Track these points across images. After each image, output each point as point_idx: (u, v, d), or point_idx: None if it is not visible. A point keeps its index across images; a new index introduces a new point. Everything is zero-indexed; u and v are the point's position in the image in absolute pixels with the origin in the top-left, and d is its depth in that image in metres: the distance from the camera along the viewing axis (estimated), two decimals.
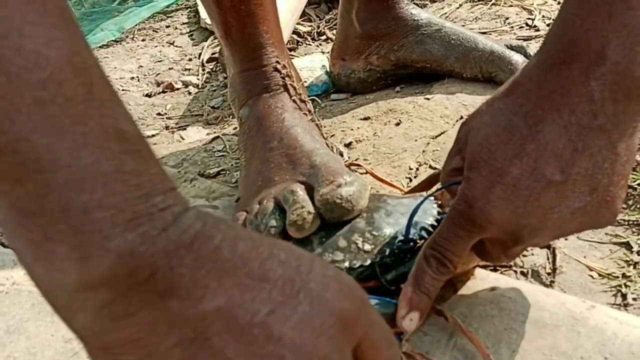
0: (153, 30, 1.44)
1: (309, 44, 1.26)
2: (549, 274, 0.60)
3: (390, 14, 0.96)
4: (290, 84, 0.76)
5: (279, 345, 0.30)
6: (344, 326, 0.32)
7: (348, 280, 0.34)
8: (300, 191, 0.62)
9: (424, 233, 0.58)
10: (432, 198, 0.62)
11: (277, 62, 0.76)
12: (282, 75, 0.76)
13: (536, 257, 0.62)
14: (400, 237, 0.58)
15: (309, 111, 0.77)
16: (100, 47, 1.38)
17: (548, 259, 0.61)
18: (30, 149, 0.26)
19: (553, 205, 0.44)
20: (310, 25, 1.32)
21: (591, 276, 0.60)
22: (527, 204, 0.44)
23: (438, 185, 0.66)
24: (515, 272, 0.61)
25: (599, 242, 0.63)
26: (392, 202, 0.62)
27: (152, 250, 0.28)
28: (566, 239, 0.64)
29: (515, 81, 0.47)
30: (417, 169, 0.79)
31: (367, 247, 0.57)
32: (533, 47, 0.94)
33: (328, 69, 1.07)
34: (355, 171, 0.77)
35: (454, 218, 0.49)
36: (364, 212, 0.60)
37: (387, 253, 0.57)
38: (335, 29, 1.31)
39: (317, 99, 1.00)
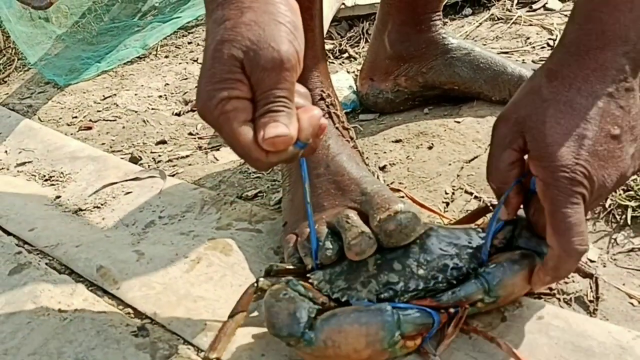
0: (176, 47, 1.47)
1: (332, 62, 1.29)
2: (591, 301, 0.63)
3: (422, 37, 0.98)
4: (334, 112, 0.79)
5: None
6: None
7: None
8: (355, 217, 0.65)
9: (475, 263, 0.60)
10: (480, 230, 0.65)
11: (322, 90, 0.78)
12: (326, 103, 0.78)
13: (578, 284, 0.65)
14: (452, 265, 0.61)
15: (351, 138, 0.80)
16: (124, 64, 1.40)
17: (590, 286, 0.64)
18: None
19: (619, 154, 0.55)
20: (332, 43, 1.34)
21: (631, 304, 0.62)
22: (606, 157, 0.55)
23: (485, 218, 0.69)
24: (559, 299, 0.64)
25: (636, 270, 0.66)
26: (443, 231, 0.64)
27: None
28: (604, 266, 0.67)
29: (550, 69, 0.57)
30: (453, 193, 0.82)
31: (421, 271, 0.60)
32: None
33: (355, 89, 1.10)
34: None
35: (560, 192, 0.54)
36: (417, 239, 0.63)
37: (439, 279, 0.60)
38: (357, 46, 1.34)
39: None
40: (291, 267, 0.66)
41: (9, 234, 0.83)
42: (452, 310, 0.57)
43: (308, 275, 0.64)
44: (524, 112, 0.57)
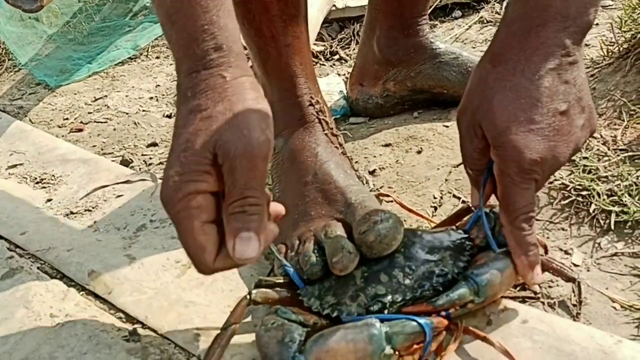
0: (167, 48, 1.47)
1: (323, 64, 1.30)
2: (574, 305, 0.64)
3: (410, 42, 1.00)
4: (323, 119, 0.80)
5: None
6: None
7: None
8: (339, 231, 0.66)
9: (460, 267, 0.62)
10: (461, 231, 0.66)
11: (311, 96, 0.79)
12: (315, 110, 0.79)
13: (562, 288, 0.66)
14: (438, 272, 0.62)
15: (340, 144, 0.80)
16: (115, 64, 1.41)
17: (573, 291, 0.65)
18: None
19: (569, 129, 0.57)
20: (323, 45, 1.35)
21: (614, 307, 0.64)
22: (556, 136, 0.56)
23: (467, 218, 0.70)
24: (543, 303, 0.65)
25: (619, 274, 0.67)
26: (426, 236, 0.65)
27: (197, 76, 0.52)
28: (588, 270, 0.68)
29: (494, 53, 0.59)
30: (441, 197, 0.83)
31: (408, 281, 0.61)
32: None
33: (346, 94, 1.11)
34: (382, 201, 0.81)
35: (512, 180, 0.57)
36: (401, 247, 0.64)
37: (426, 287, 0.61)
38: (347, 48, 1.35)
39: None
40: (280, 280, 0.66)
41: (0, 237, 0.84)
42: (443, 313, 0.59)
43: (298, 292, 0.65)
44: (476, 102, 0.59)
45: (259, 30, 0.78)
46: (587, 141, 0.70)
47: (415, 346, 0.57)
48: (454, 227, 0.69)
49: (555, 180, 0.78)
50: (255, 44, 0.80)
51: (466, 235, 0.66)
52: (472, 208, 0.70)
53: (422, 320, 0.57)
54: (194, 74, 0.52)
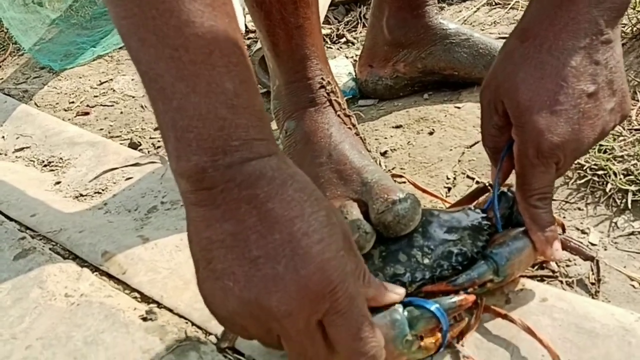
0: None
1: (330, 47, 1.29)
2: (592, 284, 0.64)
3: (419, 23, 0.99)
4: (335, 100, 0.79)
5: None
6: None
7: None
8: (355, 210, 0.65)
9: (480, 246, 0.61)
10: (479, 211, 0.66)
11: (322, 78, 0.79)
12: (327, 91, 0.78)
13: (579, 267, 0.66)
14: (457, 251, 0.61)
15: (353, 125, 0.80)
16: (120, 48, 1.39)
17: (592, 269, 0.65)
18: (161, 82, 0.42)
19: (596, 112, 0.54)
20: (330, 28, 1.34)
21: (632, 286, 0.64)
22: (581, 120, 0.54)
23: (484, 197, 0.70)
24: (561, 282, 0.65)
25: (636, 252, 0.67)
26: (444, 216, 0.65)
27: (214, 173, 0.43)
28: (605, 249, 0.68)
29: (523, 29, 0.56)
30: (455, 178, 0.82)
31: (426, 260, 0.61)
32: None
33: (354, 75, 1.10)
34: (396, 182, 0.80)
35: (530, 162, 0.56)
36: (419, 227, 0.64)
37: (445, 266, 0.60)
38: (354, 31, 1.34)
39: None
40: None
41: (10, 219, 0.83)
42: (462, 292, 0.58)
43: None
44: (500, 78, 0.57)
45: (268, 13, 0.77)
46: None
47: (437, 331, 0.56)
48: (471, 206, 0.68)
49: None
50: (264, 27, 0.79)
51: (484, 215, 0.65)
52: (489, 187, 0.70)
53: (433, 307, 0.55)
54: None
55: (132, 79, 1.26)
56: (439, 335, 0.56)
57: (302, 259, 0.43)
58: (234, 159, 0.43)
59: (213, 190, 0.43)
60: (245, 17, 1.43)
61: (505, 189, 0.65)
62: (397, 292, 0.55)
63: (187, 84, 0.42)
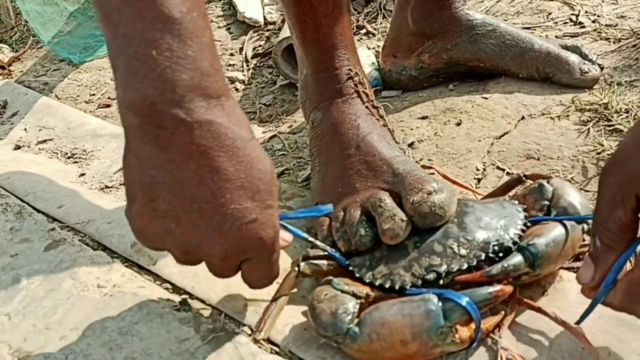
0: None
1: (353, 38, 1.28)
2: None
3: (445, 14, 0.98)
4: (363, 91, 0.78)
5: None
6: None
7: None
8: (388, 199, 0.64)
9: (516, 237, 0.60)
10: (516, 202, 0.65)
11: (350, 68, 0.78)
12: (355, 82, 0.78)
13: None
14: (494, 242, 0.60)
15: (381, 117, 0.79)
16: None
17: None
18: (107, 7, 0.43)
19: None
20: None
21: None
22: None
23: (517, 189, 0.69)
24: None
25: None
26: (479, 207, 0.64)
27: (162, 108, 0.43)
28: None
29: None
30: (484, 169, 0.81)
31: (463, 251, 0.60)
32: (586, 46, 0.96)
33: (377, 66, 1.09)
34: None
35: None
36: (454, 217, 0.63)
37: (482, 257, 0.60)
38: (374, 22, 1.33)
39: None
40: (326, 252, 0.66)
41: (38, 211, 0.83)
42: (496, 284, 0.57)
43: (348, 263, 0.64)
44: (636, 166, 0.45)
45: (297, 1, 0.76)
46: None
47: (472, 323, 0.56)
48: (506, 197, 0.67)
49: None
50: (293, 14, 0.78)
51: (521, 206, 0.64)
52: (523, 178, 0.69)
53: (464, 301, 0.54)
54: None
55: None
56: (473, 329, 0.56)
57: (245, 216, 0.49)
58: (184, 97, 0.43)
59: (162, 131, 0.44)
60: (263, 8, 1.42)
61: (543, 182, 0.64)
62: (284, 239, 0.59)
63: (132, 9, 0.42)
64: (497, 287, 0.56)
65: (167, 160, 0.46)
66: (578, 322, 0.54)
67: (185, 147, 0.45)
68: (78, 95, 1.23)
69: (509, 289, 0.56)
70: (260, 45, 1.31)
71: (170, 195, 0.47)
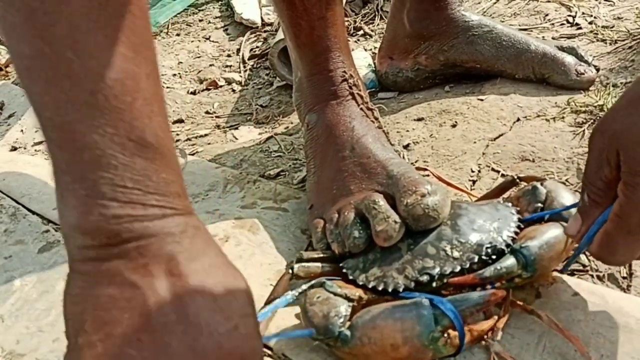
0: (187, 25, 1.45)
1: (347, 40, 1.28)
2: (624, 278, 0.63)
3: (441, 15, 0.98)
4: (358, 93, 0.78)
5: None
6: None
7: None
8: (382, 201, 0.64)
9: (509, 240, 0.60)
10: (509, 204, 0.65)
11: (344, 70, 0.78)
12: (349, 84, 0.78)
13: None
14: (487, 244, 0.60)
15: (376, 118, 0.79)
16: None
17: None
18: (70, 131, 0.38)
19: None
20: (347, 21, 1.33)
21: None
22: None
23: (511, 191, 0.69)
24: (592, 276, 0.64)
25: None
26: (472, 209, 0.64)
27: (128, 226, 0.39)
28: None
29: None
30: (479, 171, 0.81)
31: (456, 253, 0.60)
32: (582, 47, 0.96)
33: (374, 67, 1.09)
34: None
35: (629, 230, 0.49)
36: (447, 220, 0.63)
37: (475, 260, 0.59)
38: (371, 23, 1.33)
39: None
40: (321, 255, 0.66)
41: (33, 212, 0.83)
42: (489, 286, 0.57)
43: (341, 265, 0.64)
44: (619, 126, 0.48)
45: (291, 3, 0.76)
46: None
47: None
48: (499, 199, 0.67)
49: None
50: (287, 17, 0.78)
51: (514, 208, 0.64)
52: (517, 180, 0.69)
53: (447, 309, 0.54)
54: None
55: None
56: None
57: (221, 335, 0.41)
58: (154, 213, 0.40)
59: (125, 245, 0.40)
60: (261, 10, 1.42)
61: (537, 184, 0.64)
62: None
63: (103, 133, 0.38)
64: (489, 292, 0.56)
65: (128, 276, 0.40)
66: (562, 270, 0.56)
67: (152, 259, 0.41)
68: None
69: (501, 293, 0.56)
70: (257, 47, 1.31)
71: (128, 314, 0.40)
